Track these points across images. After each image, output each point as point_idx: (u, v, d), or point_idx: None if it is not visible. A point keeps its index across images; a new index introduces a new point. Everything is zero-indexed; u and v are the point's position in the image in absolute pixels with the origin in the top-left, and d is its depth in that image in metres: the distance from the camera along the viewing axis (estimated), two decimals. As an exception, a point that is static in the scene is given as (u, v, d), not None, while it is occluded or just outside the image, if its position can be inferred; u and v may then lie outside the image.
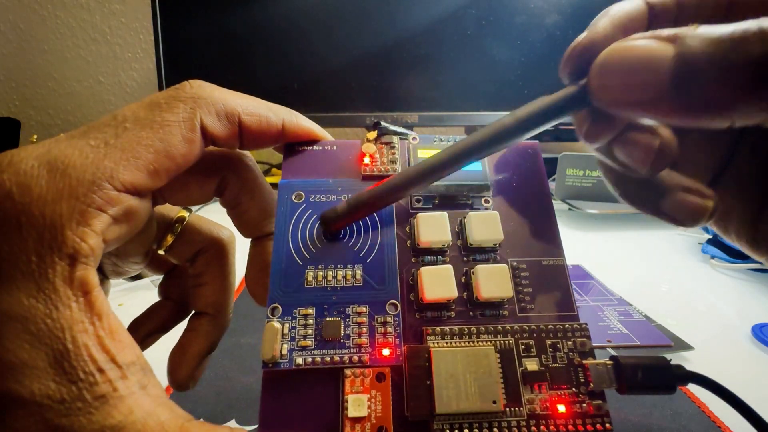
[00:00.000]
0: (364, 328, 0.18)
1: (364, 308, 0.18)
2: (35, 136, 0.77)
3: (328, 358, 0.17)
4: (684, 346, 0.36)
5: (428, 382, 0.17)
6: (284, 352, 0.17)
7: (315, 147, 0.22)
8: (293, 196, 0.21)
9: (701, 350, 0.36)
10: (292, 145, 0.22)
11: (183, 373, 0.22)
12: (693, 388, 0.31)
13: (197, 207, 0.53)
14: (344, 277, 0.19)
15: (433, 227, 0.20)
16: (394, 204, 0.21)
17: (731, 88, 0.11)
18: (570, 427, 0.17)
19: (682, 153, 0.16)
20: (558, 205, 0.68)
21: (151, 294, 0.36)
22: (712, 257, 0.53)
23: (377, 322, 0.18)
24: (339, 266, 0.19)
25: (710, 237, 0.56)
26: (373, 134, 0.22)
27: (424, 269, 0.19)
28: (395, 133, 0.23)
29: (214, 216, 0.25)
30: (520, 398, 0.17)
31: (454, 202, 0.21)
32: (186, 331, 0.23)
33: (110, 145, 0.16)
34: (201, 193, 0.21)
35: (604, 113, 0.15)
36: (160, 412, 0.14)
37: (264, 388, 0.17)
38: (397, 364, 0.17)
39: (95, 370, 0.14)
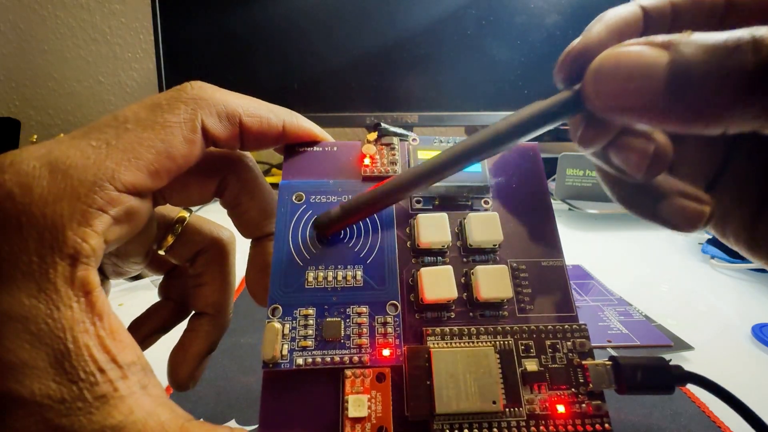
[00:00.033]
0: (365, 329, 0.18)
1: (364, 309, 0.18)
2: (35, 136, 0.77)
3: (328, 359, 0.17)
4: (684, 346, 0.36)
5: (428, 383, 0.17)
6: (284, 352, 0.17)
7: (315, 148, 0.22)
8: (294, 197, 0.21)
9: (701, 350, 0.36)
10: (293, 146, 0.22)
11: (183, 373, 0.22)
12: (693, 388, 0.31)
13: (197, 207, 0.53)
14: (344, 277, 0.19)
15: (433, 228, 0.20)
16: (393, 205, 0.21)
17: (725, 95, 0.11)
18: (569, 427, 0.17)
19: (678, 157, 0.16)
20: (558, 205, 0.68)
21: (151, 294, 0.36)
22: (712, 257, 0.53)
23: (377, 323, 0.18)
24: (339, 267, 0.19)
25: (710, 237, 0.56)
26: (373, 135, 0.22)
27: (424, 270, 0.19)
28: (395, 134, 0.23)
29: (214, 216, 0.25)
30: (519, 398, 0.17)
31: (454, 203, 0.21)
32: (186, 331, 0.23)
33: (111, 145, 0.16)
34: (201, 193, 0.21)
35: (598, 118, 0.15)
36: (160, 412, 0.15)
37: (264, 388, 0.17)
38: (398, 365, 0.17)
39: (96, 370, 0.14)
